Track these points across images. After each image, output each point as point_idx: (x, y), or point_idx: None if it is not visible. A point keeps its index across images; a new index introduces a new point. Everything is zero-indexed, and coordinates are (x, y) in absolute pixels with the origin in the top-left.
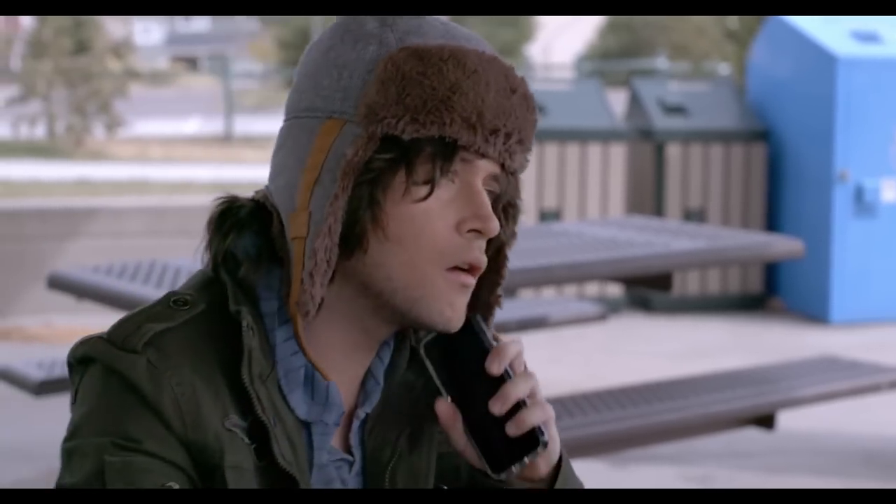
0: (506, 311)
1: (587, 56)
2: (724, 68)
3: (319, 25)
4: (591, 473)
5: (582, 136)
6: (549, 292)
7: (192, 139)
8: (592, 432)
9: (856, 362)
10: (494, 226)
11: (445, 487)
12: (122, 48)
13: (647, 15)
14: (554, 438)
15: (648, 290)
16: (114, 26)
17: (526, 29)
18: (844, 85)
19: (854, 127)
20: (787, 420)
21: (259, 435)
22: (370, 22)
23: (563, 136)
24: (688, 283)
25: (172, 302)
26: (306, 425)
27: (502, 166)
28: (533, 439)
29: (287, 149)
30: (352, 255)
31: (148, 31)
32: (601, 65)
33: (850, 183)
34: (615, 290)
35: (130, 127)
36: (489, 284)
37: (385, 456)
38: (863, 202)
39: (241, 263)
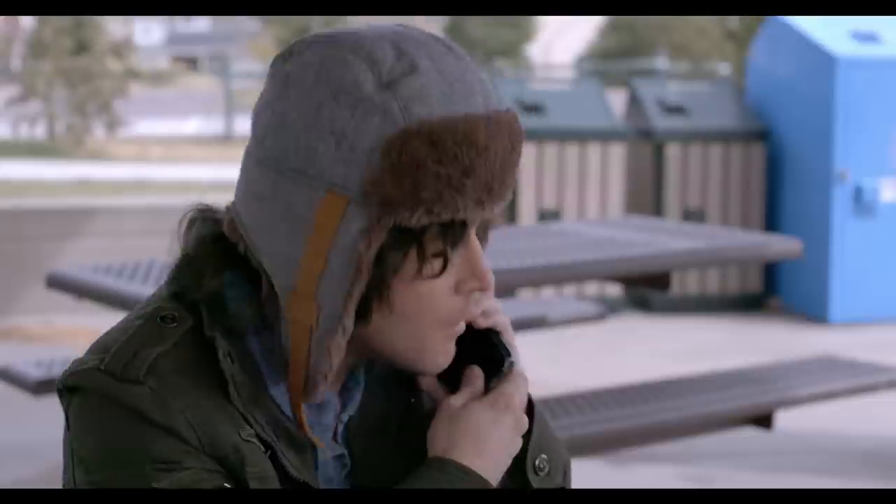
0: (505, 310)
1: (588, 56)
2: (724, 68)
3: (319, 26)
4: (590, 473)
5: (581, 136)
6: (548, 292)
7: (193, 139)
8: (591, 432)
9: (854, 362)
10: (491, 279)
11: None
12: (122, 48)
13: (647, 15)
14: (522, 376)
15: (647, 289)
16: (114, 26)
17: (526, 29)
18: (844, 85)
19: (853, 127)
20: (785, 420)
21: (268, 447)
22: (366, 82)
23: (563, 135)
24: (687, 283)
25: (160, 318)
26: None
27: None
28: (500, 363)
29: (276, 209)
30: (356, 326)
31: (148, 31)
32: (602, 65)
33: (850, 183)
34: (614, 289)
35: (130, 127)
36: None
37: (372, 460)
38: (862, 202)
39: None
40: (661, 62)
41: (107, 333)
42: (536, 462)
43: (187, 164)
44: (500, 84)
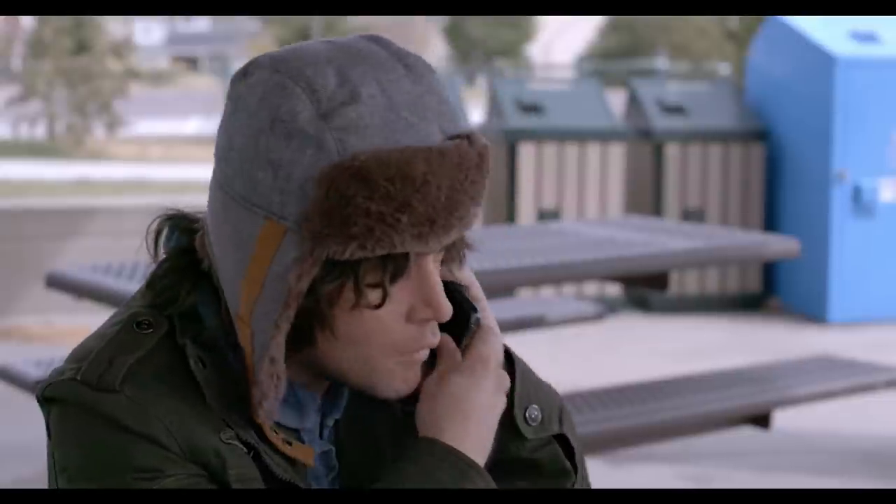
0: (504, 310)
1: (588, 56)
2: (724, 68)
3: (320, 25)
4: (589, 472)
5: (581, 136)
6: (547, 292)
7: (192, 139)
8: (589, 431)
9: (852, 361)
10: (446, 311)
11: None
12: (122, 48)
13: (647, 15)
14: (496, 333)
15: (647, 289)
16: (114, 26)
17: (526, 29)
18: (843, 85)
19: (852, 127)
20: (784, 419)
21: (251, 448)
22: (303, 111)
23: (562, 135)
24: (686, 283)
25: (136, 325)
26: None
27: None
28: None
29: (227, 232)
30: (302, 349)
31: (148, 30)
32: (602, 65)
33: (849, 183)
34: (614, 289)
35: (130, 127)
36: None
37: (360, 463)
38: (861, 202)
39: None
40: (662, 62)
41: (85, 340)
42: (526, 413)
43: (187, 164)
44: (499, 84)
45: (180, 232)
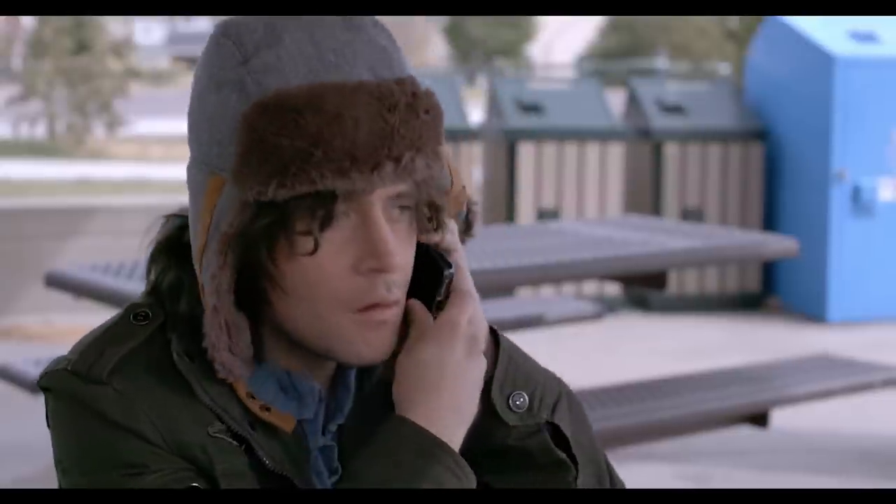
0: (503, 309)
1: (588, 56)
2: (724, 68)
3: None
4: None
5: (580, 136)
6: (547, 291)
7: None
8: None
9: (850, 361)
10: (394, 261)
11: None
12: (122, 48)
13: (647, 15)
14: (471, 295)
15: (646, 289)
16: (114, 26)
17: (527, 29)
18: (842, 85)
19: (852, 127)
20: (782, 418)
21: (242, 441)
22: (229, 57)
23: (562, 135)
24: (686, 283)
25: (133, 317)
26: (299, 420)
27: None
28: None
29: (191, 198)
30: (261, 311)
31: (148, 30)
32: (602, 64)
33: (848, 182)
34: (613, 289)
35: (131, 126)
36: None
37: None
38: (860, 202)
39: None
40: (662, 62)
41: (89, 332)
42: (510, 399)
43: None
44: (499, 84)
45: (174, 219)
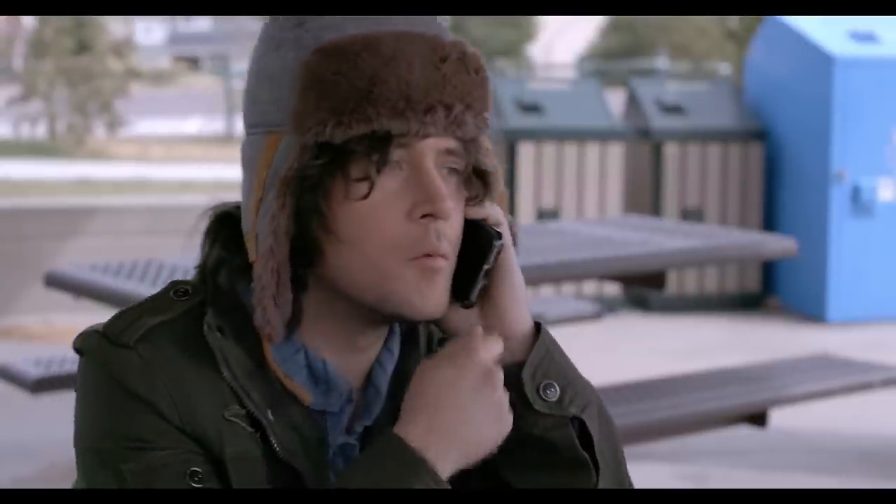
0: None
1: (588, 56)
2: (724, 68)
3: None
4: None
5: (580, 136)
6: (547, 291)
7: (193, 139)
8: None
9: (848, 360)
10: (447, 206)
11: None
12: (123, 48)
13: (647, 15)
14: (514, 269)
15: (646, 289)
16: (115, 26)
17: (527, 29)
18: (841, 85)
19: (851, 127)
20: (781, 418)
21: (259, 424)
22: (287, 21)
23: (561, 135)
24: (685, 283)
25: (174, 292)
26: (322, 412)
27: (457, 138)
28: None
29: (244, 169)
30: (314, 263)
31: (149, 30)
32: (603, 64)
33: (847, 182)
34: (613, 289)
35: (131, 126)
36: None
37: None
38: (859, 202)
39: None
40: (662, 62)
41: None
42: (541, 387)
43: (188, 163)
44: (499, 84)
45: (221, 210)
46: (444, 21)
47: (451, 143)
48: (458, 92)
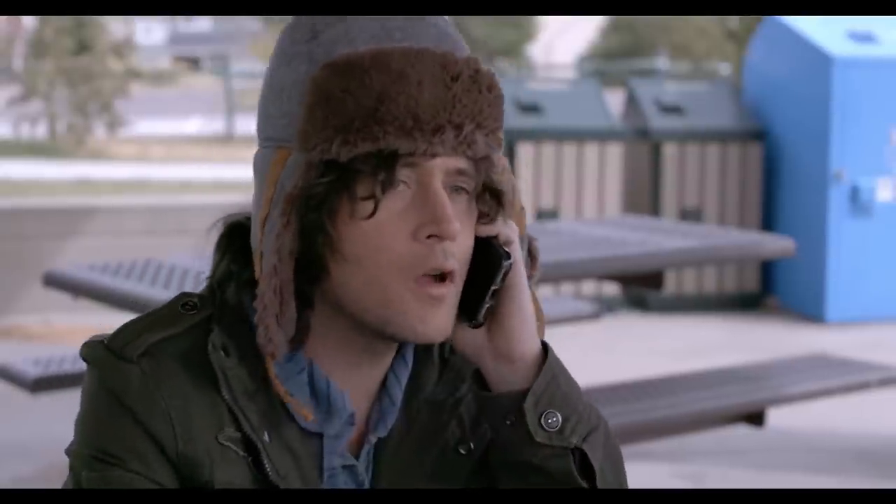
0: None
1: (589, 56)
2: (724, 68)
3: None
4: None
5: (579, 136)
6: (545, 291)
7: (193, 139)
8: None
9: (846, 360)
10: (453, 228)
11: None
12: (123, 48)
13: (647, 15)
14: (525, 289)
15: (644, 288)
16: (115, 26)
17: (528, 29)
18: (840, 85)
19: (850, 127)
20: (780, 418)
21: (254, 448)
22: (300, 34)
23: (561, 135)
24: (684, 282)
25: (182, 306)
26: (319, 434)
27: (467, 157)
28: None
29: (254, 182)
30: (318, 280)
31: (149, 30)
32: (603, 65)
33: (846, 183)
34: (611, 288)
35: (131, 126)
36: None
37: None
38: (858, 202)
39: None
40: (662, 62)
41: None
42: (543, 416)
43: (188, 163)
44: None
45: (232, 222)
46: (458, 36)
47: (460, 163)
48: (468, 111)
